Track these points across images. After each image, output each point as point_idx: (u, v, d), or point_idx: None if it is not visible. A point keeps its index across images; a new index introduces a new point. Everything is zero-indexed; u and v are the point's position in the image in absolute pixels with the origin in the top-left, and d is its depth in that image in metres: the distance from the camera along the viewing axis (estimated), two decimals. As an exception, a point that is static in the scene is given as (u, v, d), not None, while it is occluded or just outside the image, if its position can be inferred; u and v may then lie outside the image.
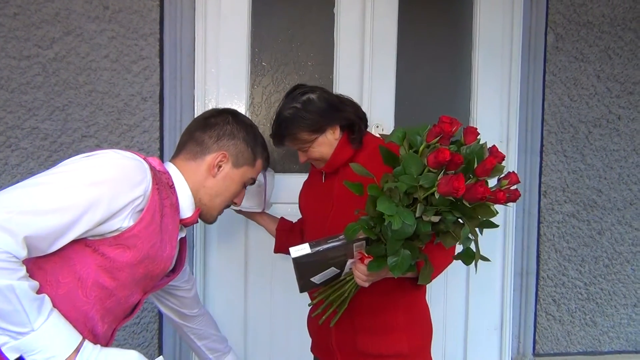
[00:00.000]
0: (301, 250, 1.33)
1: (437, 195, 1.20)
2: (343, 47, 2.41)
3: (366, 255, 1.39)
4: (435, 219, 1.22)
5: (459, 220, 1.25)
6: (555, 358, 2.66)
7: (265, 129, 2.43)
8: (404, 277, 1.49)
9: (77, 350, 1.07)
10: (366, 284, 1.43)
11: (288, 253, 1.92)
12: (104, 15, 2.21)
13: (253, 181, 1.52)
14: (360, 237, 1.35)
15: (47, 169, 2.15)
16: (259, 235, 2.40)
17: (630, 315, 2.70)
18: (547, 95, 2.56)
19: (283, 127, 1.58)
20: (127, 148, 2.25)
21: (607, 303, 2.68)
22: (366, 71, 2.41)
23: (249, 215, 1.88)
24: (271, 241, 2.39)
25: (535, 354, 2.64)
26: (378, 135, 1.74)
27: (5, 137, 2.16)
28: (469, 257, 1.31)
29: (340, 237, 1.35)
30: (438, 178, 1.20)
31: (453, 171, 1.22)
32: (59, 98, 2.19)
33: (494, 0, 2.51)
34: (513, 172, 1.27)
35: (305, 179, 1.87)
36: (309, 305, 1.57)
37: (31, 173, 2.18)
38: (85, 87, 2.21)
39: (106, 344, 1.27)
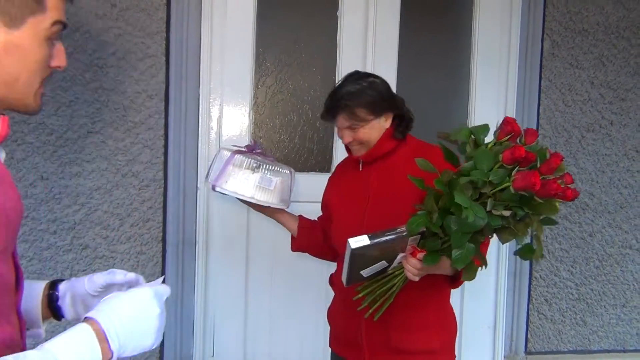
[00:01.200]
0: (360, 241, 1.33)
1: (512, 190, 1.25)
2: (346, 50, 2.46)
3: (419, 249, 1.41)
4: (507, 213, 1.27)
5: (527, 215, 1.30)
6: (547, 356, 2.73)
7: (267, 128, 2.48)
8: (439, 275, 1.53)
9: (104, 337, 0.81)
10: (416, 278, 1.44)
11: (307, 251, 1.90)
12: (111, 13, 2.23)
13: (63, 26, 0.93)
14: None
15: (53, 163, 2.19)
16: (260, 235, 2.44)
17: (619, 315, 2.78)
18: (543, 100, 2.63)
19: (345, 99, 1.57)
20: (132, 145, 2.28)
21: (597, 303, 2.76)
22: (368, 73, 2.46)
23: (270, 212, 1.80)
24: (273, 240, 2.44)
25: (527, 352, 2.71)
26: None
27: (11, 131, 2.18)
28: (529, 252, 1.36)
29: (399, 230, 1.37)
30: (513, 174, 1.25)
31: (525, 168, 1.28)
32: (66, 94, 2.21)
33: (493, 7, 2.58)
34: (567, 173, 1.33)
35: (330, 175, 1.87)
36: (354, 299, 1.55)
37: (36, 167, 2.20)
38: (91, 84, 2.23)
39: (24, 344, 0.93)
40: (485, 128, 1.36)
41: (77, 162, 2.24)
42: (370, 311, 1.53)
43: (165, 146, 2.33)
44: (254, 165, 1.69)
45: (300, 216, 1.86)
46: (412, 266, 1.42)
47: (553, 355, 2.73)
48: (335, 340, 1.81)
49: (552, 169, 1.28)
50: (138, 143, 2.29)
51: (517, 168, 1.27)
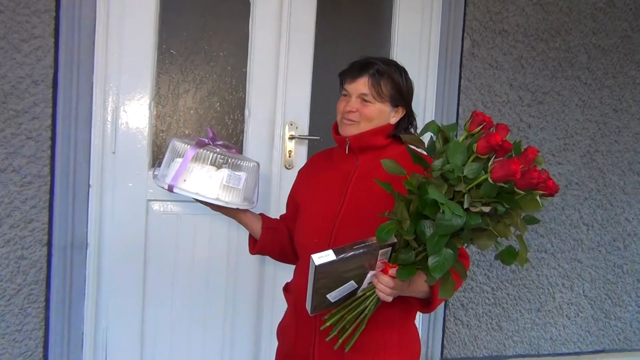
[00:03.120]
0: (324, 257, 1.17)
1: (491, 181, 1.13)
2: (258, 39, 2.30)
3: (390, 264, 1.26)
4: (486, 209, 1.14)
5: (507, 212, 1.17)
6: (462, 362, 2.68)
7: (172, 121, 2.28)
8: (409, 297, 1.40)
9: None
10: (389, 298, 1.30)
11: (268, 254, 1.71)
12: (-11, -15, 1.97)
13: None
14: (388, 242, 1.23)
15: None
16: (160, 236, 2.25)
17: (534, 319, 2.77)
18: (462, 100, 2.57)
19: (383, 64, 1.50)
20: (13, 136, 2.02)
21: (513, 308, 2.73)
22: (281, 65, 2.31)
23: (233, 212, 1.59)
24: (174, 242, 2.27)
25: (442, 358, 2.64)
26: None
27: None
28: (511, 255, 1.24)
29: (368, 242, 1.22)
30: (490, 164, 1.13)
31: (501, 158, 1.15)
32: None
33: (413, 2, 2.49)
34: (543, 168, 1.20)
35: (300, 169, 1.72)
36: (322, 328, 1.38)
37: None
38: (-36, 65, 1.97)
39: None
40: (453, 127, 1.26)
41: (-54, 153, 1.97)
42: (340, 341, 1.37)
43: (53, 138, 2.08)
44: (220, 161, 1.47)
45: (263, 215, 1.67)
46: (385, 284, 1.28)
47: (468, 361, 2.69)
48: (283, 356, 1.63)
49: (530, 161, 1.15)
50: (20, 134, 2.04)
51: (493, 159, 1.15)
